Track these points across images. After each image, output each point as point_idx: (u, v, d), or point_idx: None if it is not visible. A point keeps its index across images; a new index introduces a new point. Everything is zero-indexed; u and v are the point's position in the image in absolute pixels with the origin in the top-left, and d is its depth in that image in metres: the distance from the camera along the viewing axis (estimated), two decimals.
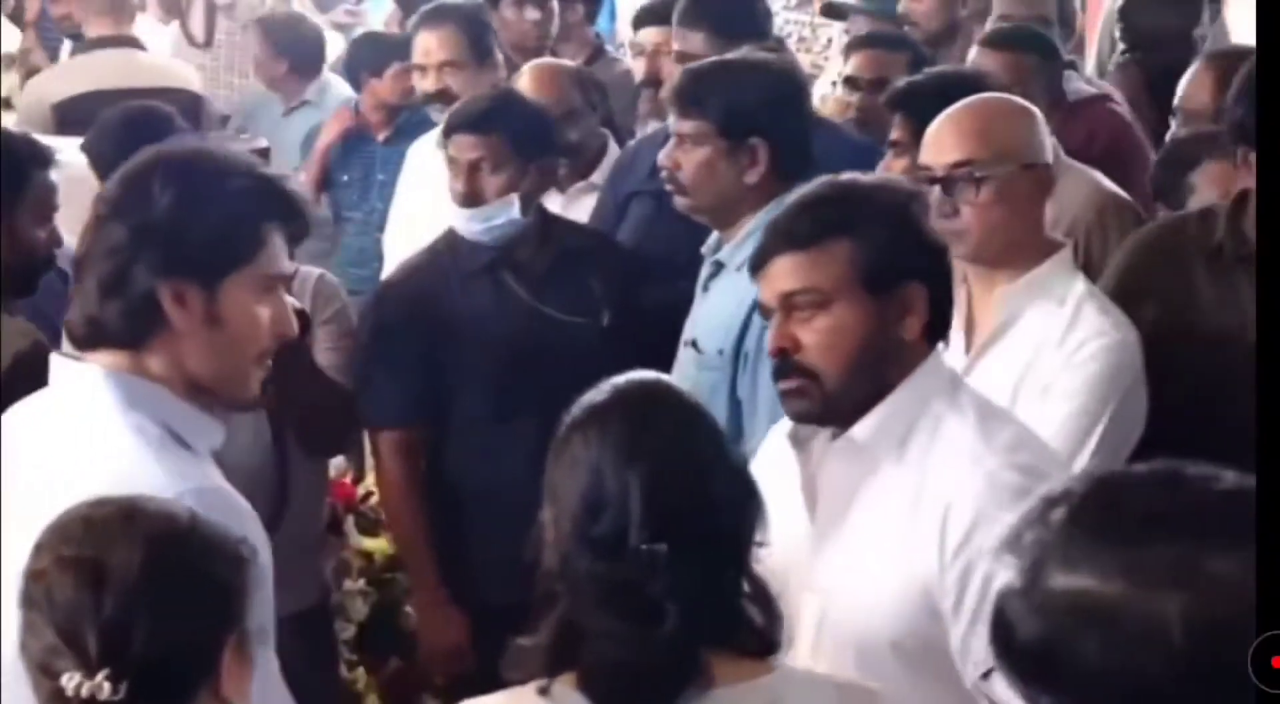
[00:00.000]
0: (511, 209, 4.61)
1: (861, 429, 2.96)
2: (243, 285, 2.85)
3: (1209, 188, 4.39)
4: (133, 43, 7.19)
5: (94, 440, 2.79)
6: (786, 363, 2.96)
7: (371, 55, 7.16)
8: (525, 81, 5.50)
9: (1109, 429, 3.62)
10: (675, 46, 5.56)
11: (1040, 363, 3.67)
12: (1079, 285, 3.75)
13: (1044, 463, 2.94)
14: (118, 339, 2.83)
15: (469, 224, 4.60)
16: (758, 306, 3.07)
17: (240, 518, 2.66)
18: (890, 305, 2.96)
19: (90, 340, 2.87)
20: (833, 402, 2.95)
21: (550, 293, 4.61)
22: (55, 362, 2.91)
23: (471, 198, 4.57)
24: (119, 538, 2.30)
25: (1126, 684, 1.69)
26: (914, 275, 2.98)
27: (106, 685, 2.22)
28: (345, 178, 7.04)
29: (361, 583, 4.98)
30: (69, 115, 6.38)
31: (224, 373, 2.88)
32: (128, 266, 2.80)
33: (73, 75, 6.95)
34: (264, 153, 4.44)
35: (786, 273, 2.96)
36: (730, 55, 4.59)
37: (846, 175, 3.14)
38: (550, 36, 6.72)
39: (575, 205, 5.39)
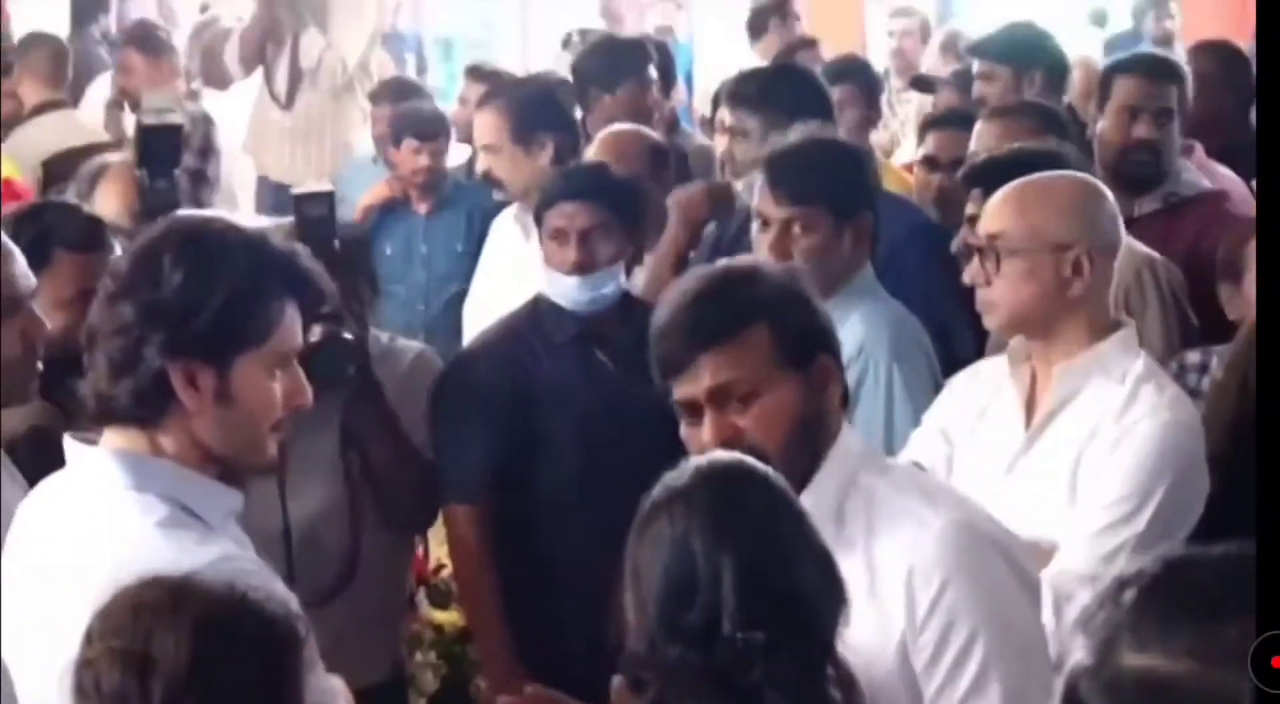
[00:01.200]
0: (619, 278, 4.61)
1: (802, 503, 2.91)
2: (255, 363, 2.82)
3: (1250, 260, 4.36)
4: (66, 104, 8.01)
5: (103, 523, 2.78)
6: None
7: (392, 128, 7.33)
8: (597, 148, 5.51)
9: (1158, 511, 3.58)
10: (725, 122, 5.57)
11: (1096, 442, 3.66)
12: (1139, 364, 3.73)
13: (980, 520, 2.98)
14: (130, 417, 2.82)
15: (576, 293, 4.54)
16: (677, 406, 3.03)
17: (264, 585, 2.56)
18: (813, 379, 2.98)
19: (102, 417, 2.86)
20: None
21: (634, 367, 4.57)
22: (68, 444, 2.90)
23: (584, 266, 4.52)
24: (167, 626, 2.27)
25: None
26: (823, 346, 3.01)
27: None
28: (388, 250, 7.06)
29: (432, 655, 4.97)
30: (55, 171, 6.92)
31: (237, 445, 2.86)
32: (137, 346, 2.77)
33: (45, 135, 7.57)
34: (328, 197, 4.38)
35: (712, 370, 2.93)
36: (810, 137, 4.57)
37: (721, 263, 3.18)
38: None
39: (637, 279, 5.37)
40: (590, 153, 5.49)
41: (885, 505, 2.92)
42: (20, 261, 3.47)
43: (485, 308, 5.81)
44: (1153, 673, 1.71)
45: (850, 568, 2.85)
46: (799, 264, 3.09)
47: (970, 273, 3.78)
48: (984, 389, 3.88)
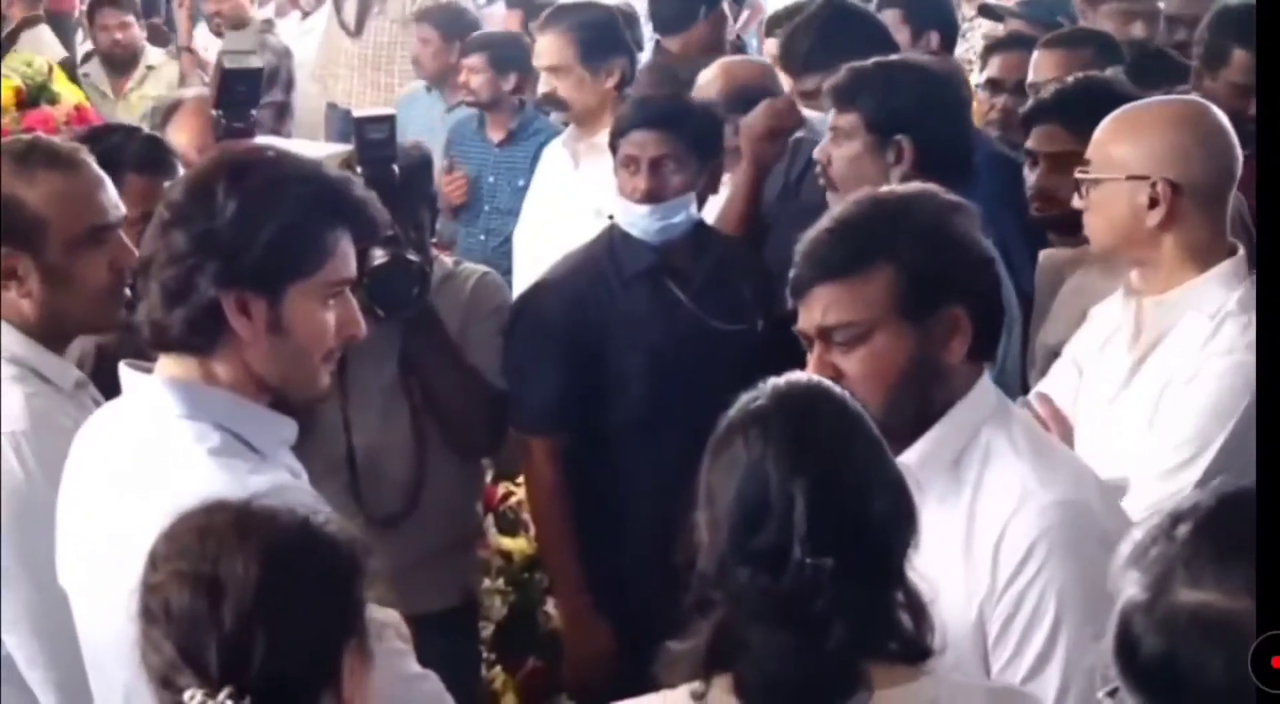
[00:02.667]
0: (690, 208, 4.60)
1: (912, 454, 2.90)
2: (308, 293, 2.83)
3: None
4: (42, 20, 8.69)
5: (157, 452, 2.80)
6: None
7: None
8: (715, 78, 5.48)
9: (1217, 459, 3.52)
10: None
11: (1176, 378, 3.61)
12: (1233, 300, 3.65)
13: (1094, 499, 2.90)
14: (183, 345, 2.84)
15: (646, 221, 4.55)
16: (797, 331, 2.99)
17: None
18: (932, 330, 2.89)
19: (157, 344, 2.88)
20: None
21: (708, 300, 4.57)
22: (123, 371, 2.93)
23: (653, 194, 4.53)
24: (234, 550, 2.27)
25: (1252, 701, 1.67)
26: (955, 297, 2.90)
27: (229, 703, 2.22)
28: (473, 175, 7.08)
29: (500, 582, 4.99)
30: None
31: (290, 375, 2.87)
32: (190, 275, 2.78)
33: (44, 43, 8.27)
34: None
35: (825, 304, 2.89)
36: (894, 56, 4.59)
37: (883, 190, 3.08)
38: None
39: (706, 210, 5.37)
40: (708, 82, 5.44)
41: (1000, 466, 2.88)
42: (112, 190, 3.50)
43: (532, 236, 5.83)
44: (1207, 608, 1.70)
45: (952, 516, 2.86)
46: (965, 202, 3.02)
47: (1076, 202, 3.78)
48: (1111, 320, 3.85)
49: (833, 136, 4.38)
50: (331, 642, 2.29)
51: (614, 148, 4.62)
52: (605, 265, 4.59)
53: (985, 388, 2.97)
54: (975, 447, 2.91)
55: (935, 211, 2.96)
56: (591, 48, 5.96)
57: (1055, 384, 3.87)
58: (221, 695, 2.21)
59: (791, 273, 2.96)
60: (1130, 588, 1.76)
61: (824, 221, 2.98)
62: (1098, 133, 3.79)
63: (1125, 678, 1.77)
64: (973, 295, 2.93)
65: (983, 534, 2.84)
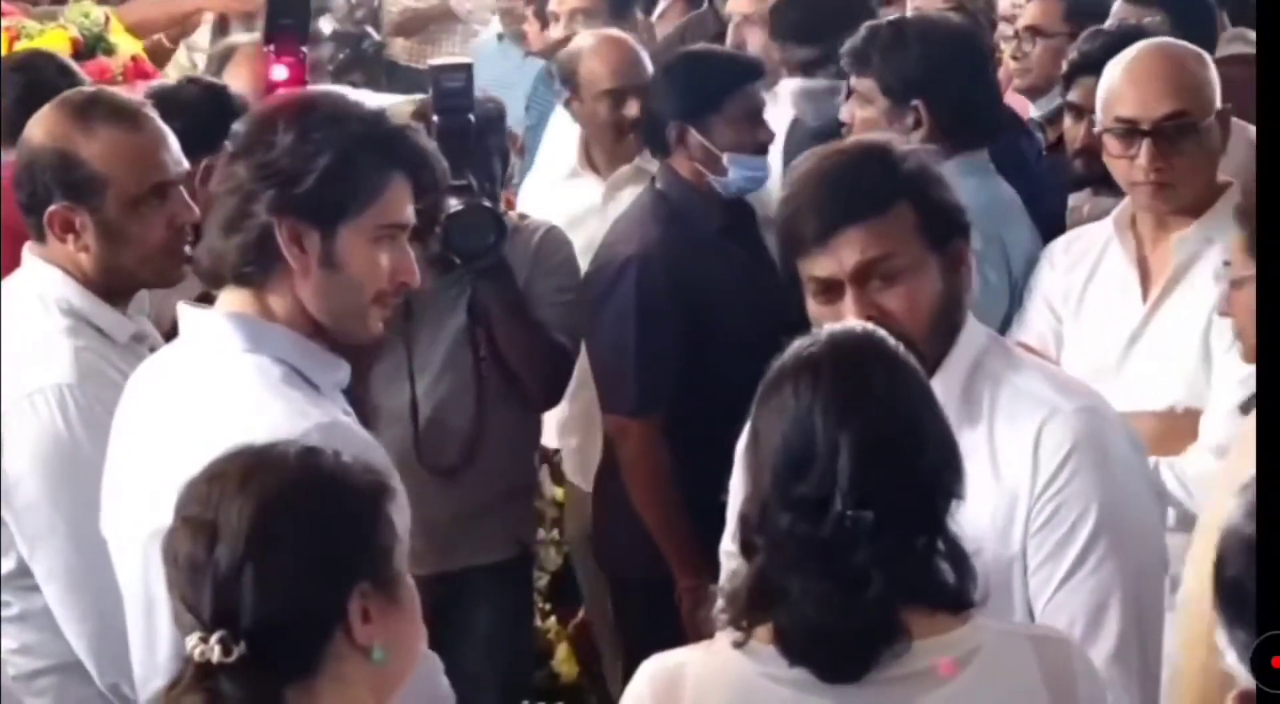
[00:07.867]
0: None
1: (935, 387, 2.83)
2: (360, 231, 2.83)
3: None
4: None
5: (217, 384, 2.82)
6: None
7: None
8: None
9: None
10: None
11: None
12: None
13: (1111, 411, 2.95)
14: (238, 275, 2.86)
15: (767, 168, 4.63)
16: (810, 283, 2.91)
17: (366, 454, 2.56)
18: (950, 261, 2.90)
19: (213, 277, 2.91)
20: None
21: (758, 254, 4.54)
22: (181, 310, 2.95)
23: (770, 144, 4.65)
24: (234, 495, 2.28)
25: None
26: (958, 229, 2.93)
27: (217, 649, 2.22)
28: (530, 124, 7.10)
29: (554, 533, 5.00)
30: None
31: (340, 313, 2.87)
32: (247, 202, 2.81)
33: None
34: None
35: (861, 245, 2.84)
36: (912, 14, 4.56)
37: (866, 139, 3.14)
38: None
39: None
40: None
41: (1012, 388, 2.90)
42: (174, 145, 3.50)
43: (542, 194, 5.78)
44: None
45: (973, 445, 2.82)
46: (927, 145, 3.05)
47: (1147, 160, 3.73)
48: (1086, 259, 3.85)
49: (855, 98, 4.36)
50: (332, 586, 2.27)
51: (718, 106, 4.56)
52: (678, 231, 4.54)
53: (974, 320, 2.99)
54: (981, 376, 2.92)
55: (918, 152, 2.98)
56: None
57: (1032, 331, 3.89)
58: (212, 639, 2.22)
59: (793, 228, 2.92)
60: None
61: (814, 173, 2.94)
62: (1177, 79, 3.77)
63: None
64: (965, 229, 2.96)
65: (1012, 447, 2.83)
